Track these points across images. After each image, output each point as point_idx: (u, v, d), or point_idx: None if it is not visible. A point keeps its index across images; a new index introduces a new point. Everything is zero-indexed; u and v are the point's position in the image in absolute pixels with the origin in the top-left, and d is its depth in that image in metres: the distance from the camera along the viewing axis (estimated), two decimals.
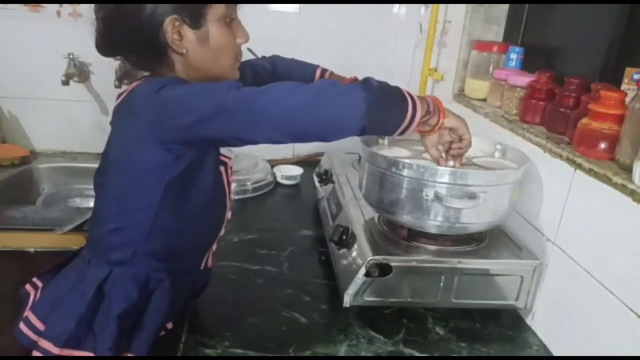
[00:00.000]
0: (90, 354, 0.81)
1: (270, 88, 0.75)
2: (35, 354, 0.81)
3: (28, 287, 0.93)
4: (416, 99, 0.81)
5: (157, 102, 0.76)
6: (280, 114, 0.73)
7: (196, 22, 0.81)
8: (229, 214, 0.96)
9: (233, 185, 0.93)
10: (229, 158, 0.90)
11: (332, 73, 1.19)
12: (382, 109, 0.77)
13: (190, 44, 0.81)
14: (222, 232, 0.96)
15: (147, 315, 0.84)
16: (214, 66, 0.85)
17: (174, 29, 0.79)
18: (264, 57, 1.19)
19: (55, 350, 0.80)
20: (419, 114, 0.80)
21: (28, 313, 0.86)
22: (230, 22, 0.85)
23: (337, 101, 0.74)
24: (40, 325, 0.84)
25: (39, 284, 0.92)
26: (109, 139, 0.86)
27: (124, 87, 0.86)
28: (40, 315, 0.84)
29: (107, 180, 0.85)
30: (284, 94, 0.74)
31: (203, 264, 0.97)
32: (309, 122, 0.74)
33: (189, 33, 0.81)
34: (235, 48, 0.87)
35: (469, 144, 0.93)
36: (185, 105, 0.75)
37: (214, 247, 0.98)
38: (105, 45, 0.84)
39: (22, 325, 0.85)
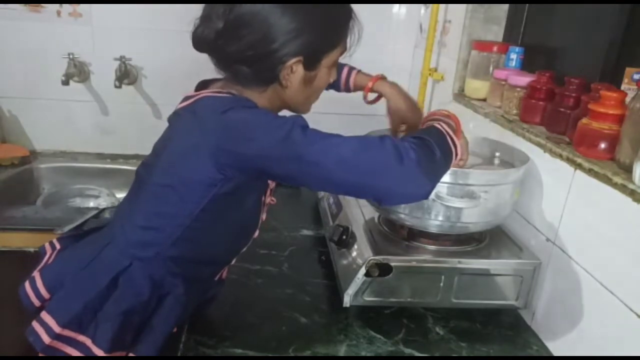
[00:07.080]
0: (89, 344, 0.80)
1: (337, 141, 0.74)
2: (35, 325, 0.81)
3: (47, 245, 0.93)
4: (457, 142, 0.84)
5: (222, 124, 0.75)
6: (336, 171, 0.73)
7: (311, 65, 0.82)
8: (256, 233, 0.94)
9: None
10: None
11: (358, 72, 1.14)
12: (440, 173, 0.82)
13: (296, 80, 0.82)
14: (245, 248, 0.96)
15: (156, 318, 0.83)
16: (301, 103, 0.86)
17: (291, 64, 0.80)
18: None
19: (56, 329, 0.79)
20: (454, 153, 0.85)
21: (36, 274, 0.86)
22: (334, 65, 0.86)
23: (398, 174, 0.74)
24: (44, 292, 0.84)
25: (58, 246, 0.92)
26: (164, 136, 0.86)
27: (191, 91, 0.84)
28: (47, 281, 0.85)
29: (151, 178, 0.84)
30: (345, 151, 0.73)
31: (218, 275, 0.97)
32: (367, 190, 0.76)
33: (300, 71, 0.81)
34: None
35: (465, 163, 0.95)
36: (247, 135, 0.74)
37: (234, 261, 0.98)
38: (212, 44, 0.79)
39: (27, 285, 0.85)
